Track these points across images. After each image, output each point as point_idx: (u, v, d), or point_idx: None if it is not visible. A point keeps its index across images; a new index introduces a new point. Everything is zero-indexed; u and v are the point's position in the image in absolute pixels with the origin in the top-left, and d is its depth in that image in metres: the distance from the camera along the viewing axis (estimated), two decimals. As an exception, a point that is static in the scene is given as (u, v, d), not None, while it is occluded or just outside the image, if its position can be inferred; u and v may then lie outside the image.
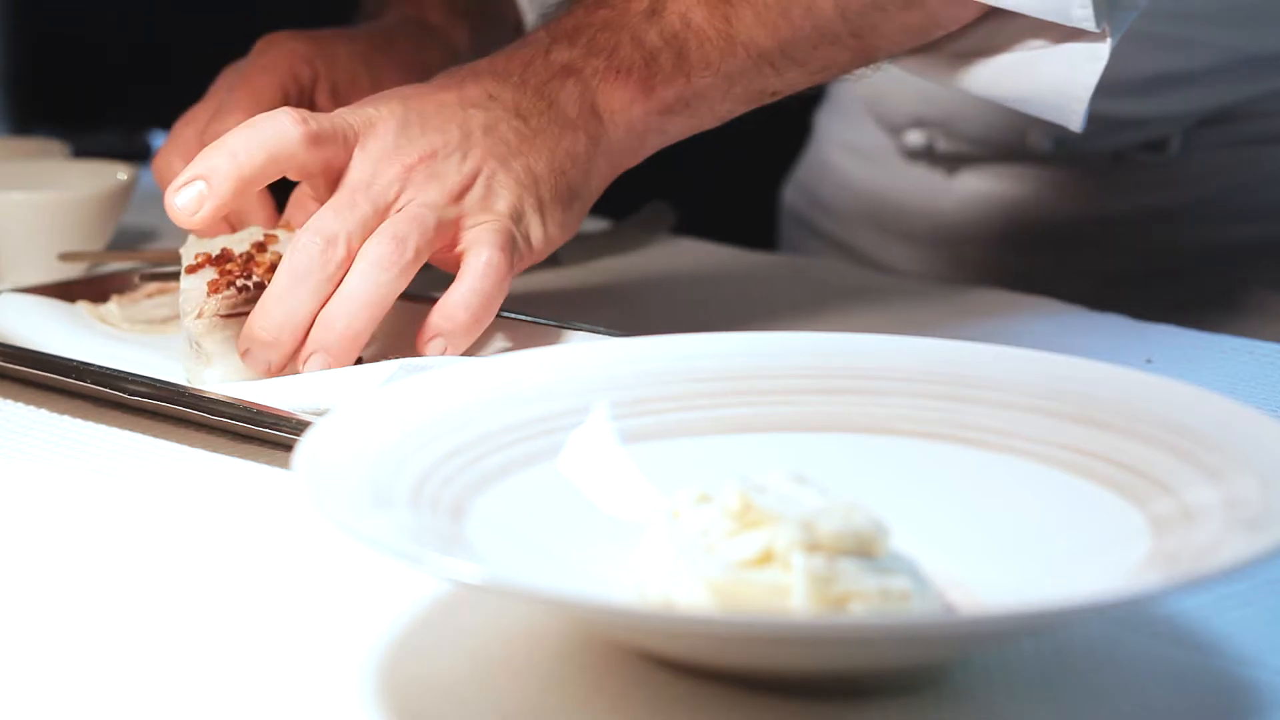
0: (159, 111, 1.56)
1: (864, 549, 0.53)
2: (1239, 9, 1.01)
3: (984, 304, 0.95)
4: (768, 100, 0.81)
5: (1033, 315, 0.93)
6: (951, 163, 1.12)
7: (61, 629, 0.58)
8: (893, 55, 0.82)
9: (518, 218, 0.76)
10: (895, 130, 1.14)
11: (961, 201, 1.12)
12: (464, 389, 0.62)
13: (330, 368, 0.73)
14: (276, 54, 0.94)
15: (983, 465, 0.61)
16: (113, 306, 0.88)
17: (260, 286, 0.75)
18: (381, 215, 0.74)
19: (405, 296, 0.76)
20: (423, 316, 0.77)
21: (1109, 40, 0.79)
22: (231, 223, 0.89)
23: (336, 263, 0.73)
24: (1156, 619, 0.56)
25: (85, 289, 0.90)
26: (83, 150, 1.12)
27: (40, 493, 0.70)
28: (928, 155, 1.13)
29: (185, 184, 0.73)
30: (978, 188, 1.12)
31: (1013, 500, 0.59)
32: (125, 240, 1.06)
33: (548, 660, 0.54)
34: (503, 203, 0.76)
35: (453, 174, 0.75)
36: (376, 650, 0.55)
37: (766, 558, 0.53)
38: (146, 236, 1.09)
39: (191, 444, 0.74)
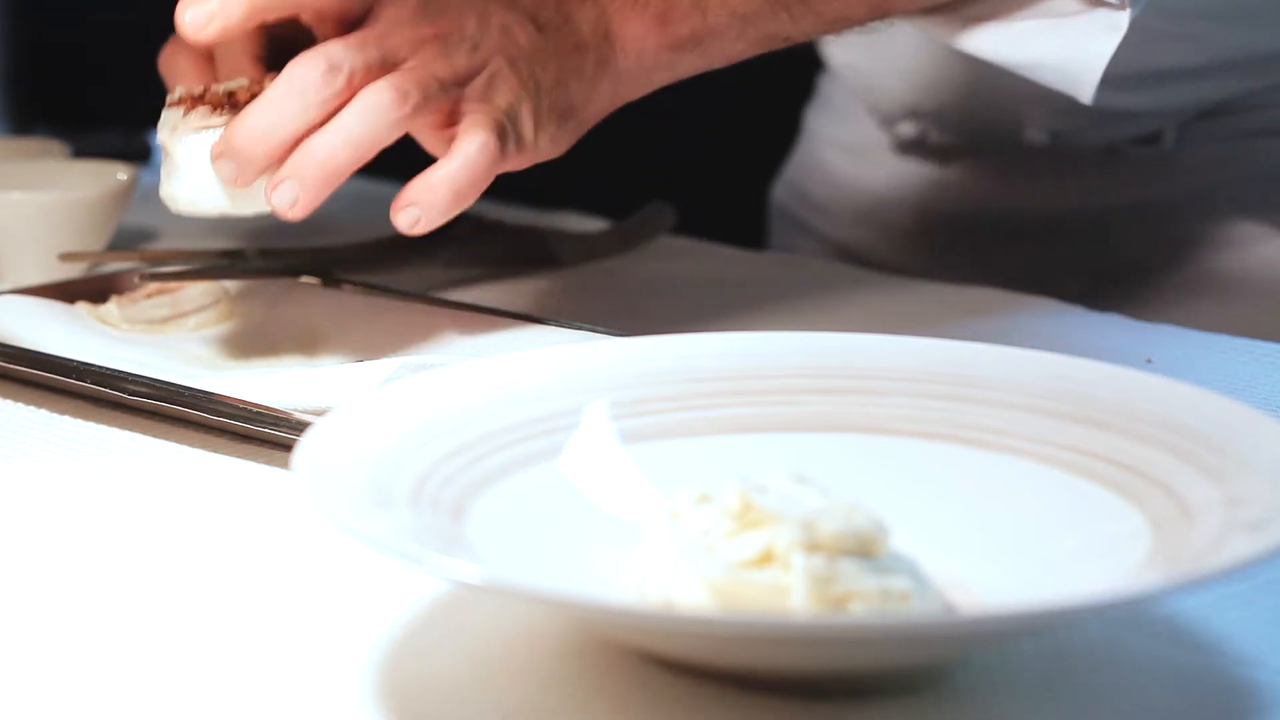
0: (159, 112, 1.56)
1: (864, 549, 0.53)
2: (1241, 6, 1.01)
3: (983, 303, 0.95)
4: (779, 45, 0.81)
5: (1032, 315, 0.93)
6: (944, 155, 1.11)
7: (61, 629, 0.58)
8: (908, 12, 0.82)
9: (513, 117, 0.76)
10: (888, 121, 1.14)
11: (953, 196, 1.12)
12: (464, 389, 0.62)
13: (295, 205, 0.72)
14: None
15: (983, 465, 0.61)
16: (112, 307, 0.88)
17: (238, 109, 0.75)
18: (388, 68, 0.74)
19: (404, 295, 0.76)
20: (420, 317, 0.77)
21: (1129, 10, 0.79)
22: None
23: (335, 90, 0.72)
24: (1157, 619, 0.56)
25: (85, 289, 0.90)
26: (83, 150, 1.12)
27: (40, 493, 0.70)
28: (920, 147, 1.12)
29: (198, 2, 0.74)
30: (970, 181, 1.11)
31: (1013, 500, 0.59)
32: (125, 240, 1.06)
33: (548, 661, 0.54)
34: (502, 98, 0.76)
35: (462, 58, 0.75)
36: (376, 651, 0.55)
37: (767, 558, 0.53)
38: (146, 237, 1.09)
39: (191, 444, 0.74)
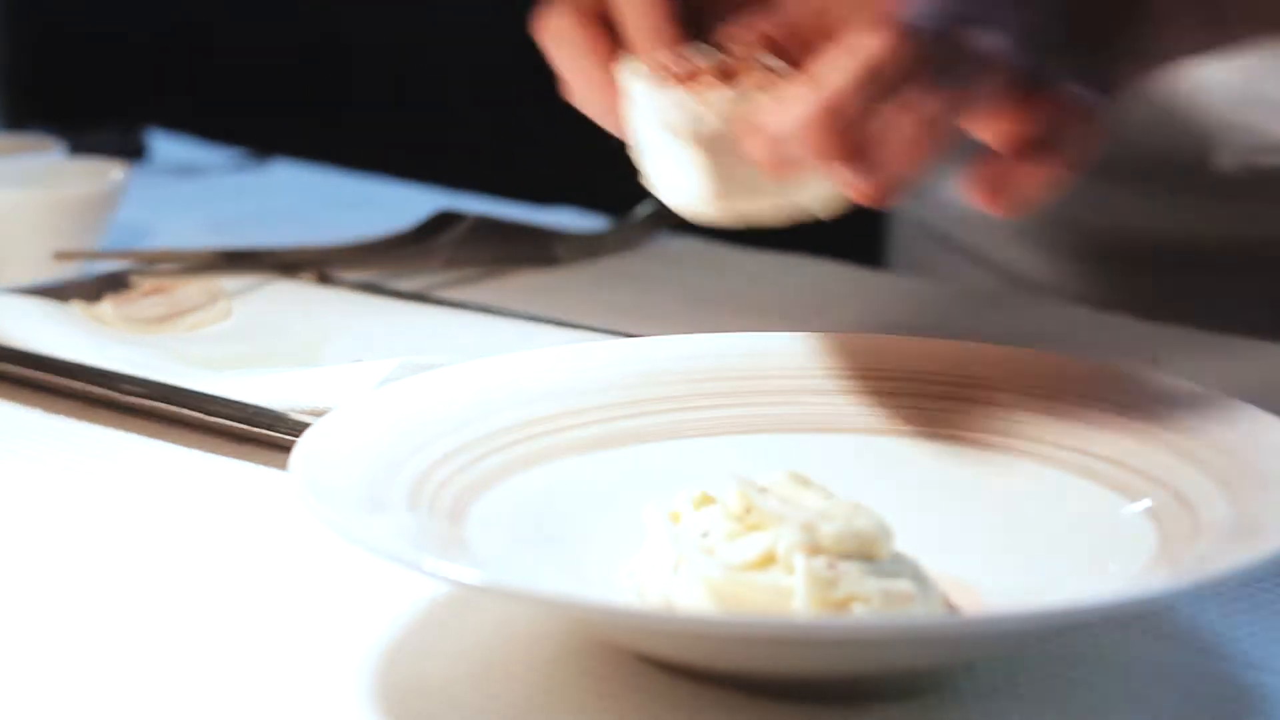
0: (156, 109, 1.56)
1: (866, 551, 0.52)
2: None
3: (985, 303, 0.95)
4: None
5: (1036, 314, 0.93)
6: (1122, 174, 1.01)
7: (55, 631, 0.57)
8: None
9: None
10: None
11: (1118, 218, 1.04)
12: (462, 389, 0.61)
13: (881, 189, 0.58)
14: None
15: (985, 466, 0.60)
16: (107, 306, 0.87)
17: (755, 85, 0.59)
18: (963, 33, 0.60)
19: (402, 294, 0.75)
20: (418, 317, 0.76)
21: None
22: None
23: (926, 60, 0.58)
24: (1162, 622, 0.56)
25: (80, 288, 0.89)
26: (79, 147, 1.12)
27: (34, 494, 0.70)
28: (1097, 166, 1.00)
29: None
30: (1148, 205, 1.02)
31: (1016, 502, 0.59)
32: (120, 239, 1.05)
33: (546, 664, 0.54)
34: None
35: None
36: (374, 653, 0.55)
37: (768, 560, 0.53)
38: (142, 235, 1.08)
39: (187, 444, 0.73)
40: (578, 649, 0.54)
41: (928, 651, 0.51)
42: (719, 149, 0.57)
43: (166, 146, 1.32)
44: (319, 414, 0.70)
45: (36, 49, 2.39)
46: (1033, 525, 0.58)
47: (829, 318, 0.92)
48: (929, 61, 0.57)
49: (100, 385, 0.76)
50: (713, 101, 0.58)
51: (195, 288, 0.89)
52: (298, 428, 0.69)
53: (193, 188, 1.23)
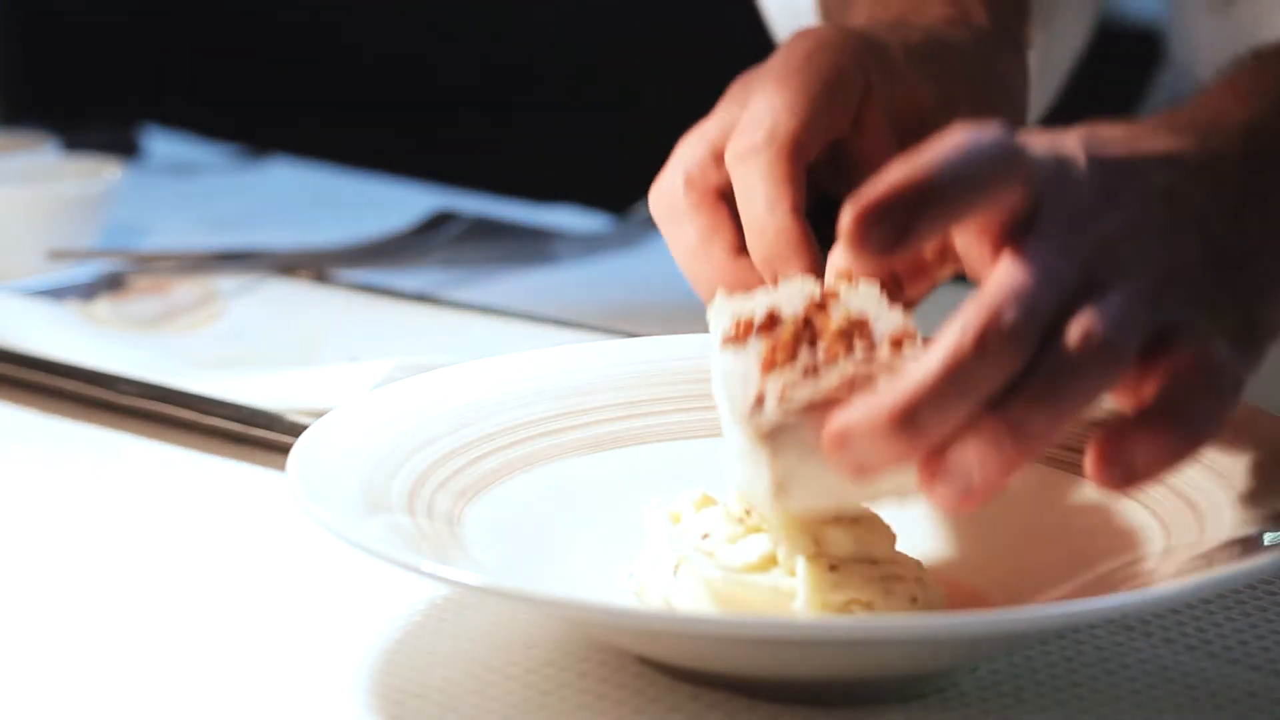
0: (151, 105, 1.56)
1: (868, 553, 0.52)
2: None
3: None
4: None
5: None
6: None
7: (51, 632, 0.57)
8: None
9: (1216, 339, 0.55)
10: None
11: None
12: (460, 390, 0.61)
13: (970, 496, 0.50)
14: (816, 47, 0.68)
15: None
16: (102, 306, 0.87)
17: (832, 360, 0.52)
18: (1084, 293, 0.52)
19: (400, 294, 0.75)
20: (416, 316, 0.75)
21: None
22: (771, 273, 0.66)
23: (1019, 363, 0.51)
24: (1167, 624, 0.56)
25: (74, 288, 0.89)
26: (74, 143, 1.11)
27: (29, 495, 0.69)
28: None
29: (877, 212, 0.51)
30: None
31: (1019, 503, 0.59)
32: (115, 238, 1.05)
33: (546, 665, 0.53)
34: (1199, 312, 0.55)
35: (1159, 256, 0.55)
36: (371, 656, 0.55)
37: (769, 562, 0.52)
38: (137, 234, 1.08)
39: (183, 445, 0.73)
40: (577, 651, 0.54)
41: (929, 653, 0.50)
42: (783, 443, 0.51)
43: (162, 144, 1.32)
44: (316, 415, 0.70)
45: (30, 44, 2.38)
46: (1034, 526, 0.57)
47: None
48: (1030, 365, 0.50)
49: (96, 385, 0.75)
50: (781, 386, 0.52)
51: (191, 287, 0.89)
52: (294, 429, 0.69)
53: (188, 186, 1.23)
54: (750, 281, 0.64)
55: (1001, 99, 0.69)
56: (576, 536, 0.58)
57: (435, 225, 1.02)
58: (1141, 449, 0.51)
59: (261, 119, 1.88)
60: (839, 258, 0.59)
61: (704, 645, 0.50)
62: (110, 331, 0.85)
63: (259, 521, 0.66)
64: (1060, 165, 0.54)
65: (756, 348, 0.53)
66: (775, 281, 0.63)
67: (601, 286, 0.98)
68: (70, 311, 0.86)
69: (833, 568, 0.52)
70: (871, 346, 0.52)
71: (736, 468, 0.52)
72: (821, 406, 0.51)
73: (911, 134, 0.67)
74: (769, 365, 0.52)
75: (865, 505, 0.53)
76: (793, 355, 0.52)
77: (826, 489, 0.51)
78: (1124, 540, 0.55)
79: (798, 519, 0.52)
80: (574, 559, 0.57)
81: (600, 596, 0.55)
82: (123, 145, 1.25)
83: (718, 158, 0.66)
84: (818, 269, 0.63)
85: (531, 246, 1.02)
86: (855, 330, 0.53)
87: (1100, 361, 0.51)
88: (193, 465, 0.72)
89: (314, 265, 0.95)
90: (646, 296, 0.96)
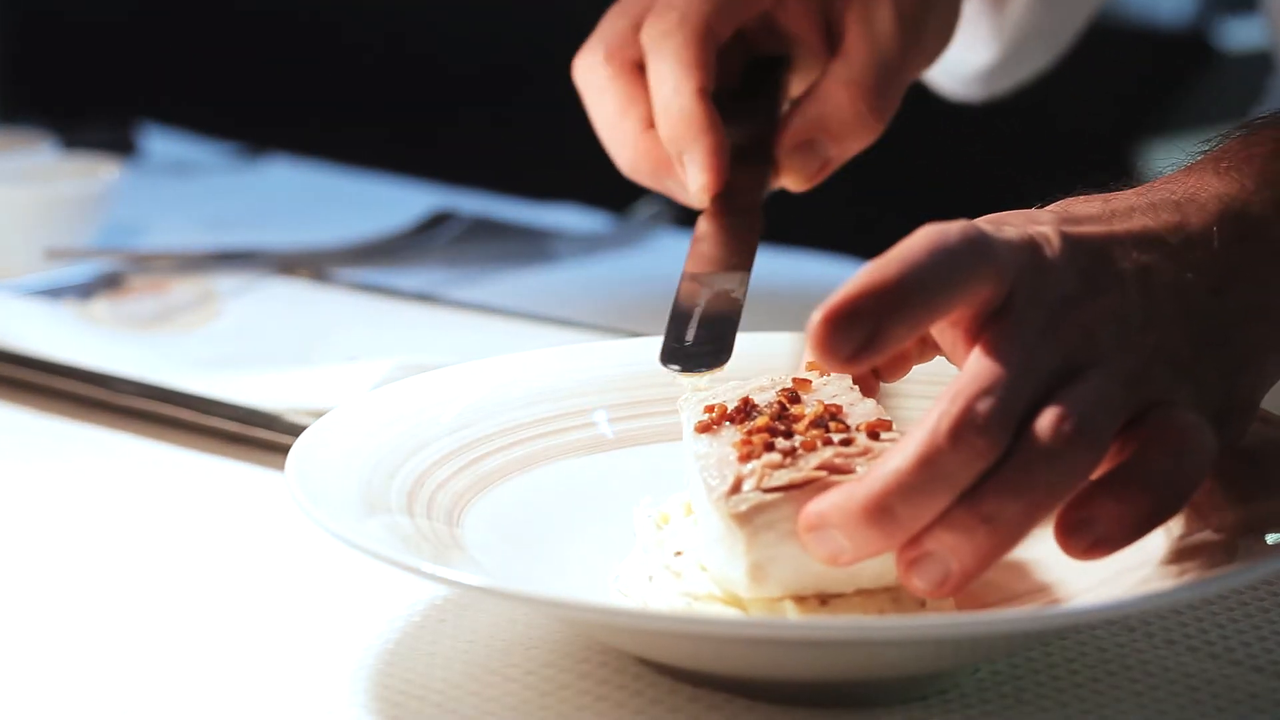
0: (149, 103, 1.56)
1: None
2: None
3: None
4: None
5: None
6: None
7: (49, 631, 0.57)
8: None
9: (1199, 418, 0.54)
10: None
11: None
12: (460, 390, 0.61)
13: (946, 582, 0.50)
14: None
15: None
16: (100, 305, 0.87)
17: (808, 448, 0.52)
18: (1062, 378, 0.51)
19: (399, 294, 0.75)
20: (416, 316, 0.75)
21: None
22: (676, 151, 0.69)
23: (994, 454, 0.50)
24: (1169, 625, 0.55)
25: (72, 287, 0.89)
26: (72, 142, 1.11)
27: (27, 495, 0.69)
28: None
29: (843, 318, 0.50)
30: None
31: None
32: (113, 237, 1.05)
33: (545, 666, 0.53)
34: (1179, 390, 0.54)
35: (1137, 340, 0.54)
36: (370, 656, 0.54)
37: (734, 600, 0.52)
38: (135, 234, 1.07)
39: (182, 445, 0.73)
40: (576, 652, 0.54)
41: (929, 654, 0.50)
42: (761, 525, 0.51)
43: (160, 143, 1.32)
44: (315, 415, 0.69)
45: (28, 42, 2.38)
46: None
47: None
48: (1004, 459, 0.50)
49: (94, 386, 0.75)
50: (759, 469, 0.51)
51: (189, 287, 0.89)
52: (293, 429, 0.69)
53: (187, 185, 1.23)
54: (659, 155, 0.68)
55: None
56: (577, 537, 0.57)
57: (435, 225, 1.02)
58: (1107, 516, 0.50)
59: (260, 118, 1.88)
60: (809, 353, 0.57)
61: (704, 646, 0.50)
62: (108, 331, 0.85)
63: (258, 522, 0.66)
64: (1034, 251, 0.53)
65: (731, 435, 0.53)
66: (680, 160, 0.68)
67: (601, 286, 0.98)
68: (68, 311, 0.86)
69: (823, 602, 0.51)
70: (847, 434, 0.52)
71: (713, 552, 0.52)
72: (800, 490, 0.51)
73: (837, 2, 0.70)
74: (745, 452, 0.52)
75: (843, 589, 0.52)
76: (769, 443, 0.52)
77: (804, 572, 0.51)
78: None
79: (774, 602, 0.51)
80: (574, 560, 0.56)
81: (600, 597, 0.54)
82: (121, 144, 1.25)
83: (638, 31, 0.69)
84: (719, 150, 0.68)
85: (531, 246, 1.01)
86: (830, 419, 0.53)
87: (1075, 449, 0.50)
88: (192, 465, 0.71)
89: (313, 265, 0.95)
90: (646, 296, 0.96)
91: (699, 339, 0.59)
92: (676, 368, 0.58)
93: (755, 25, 0.72)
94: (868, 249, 0.98)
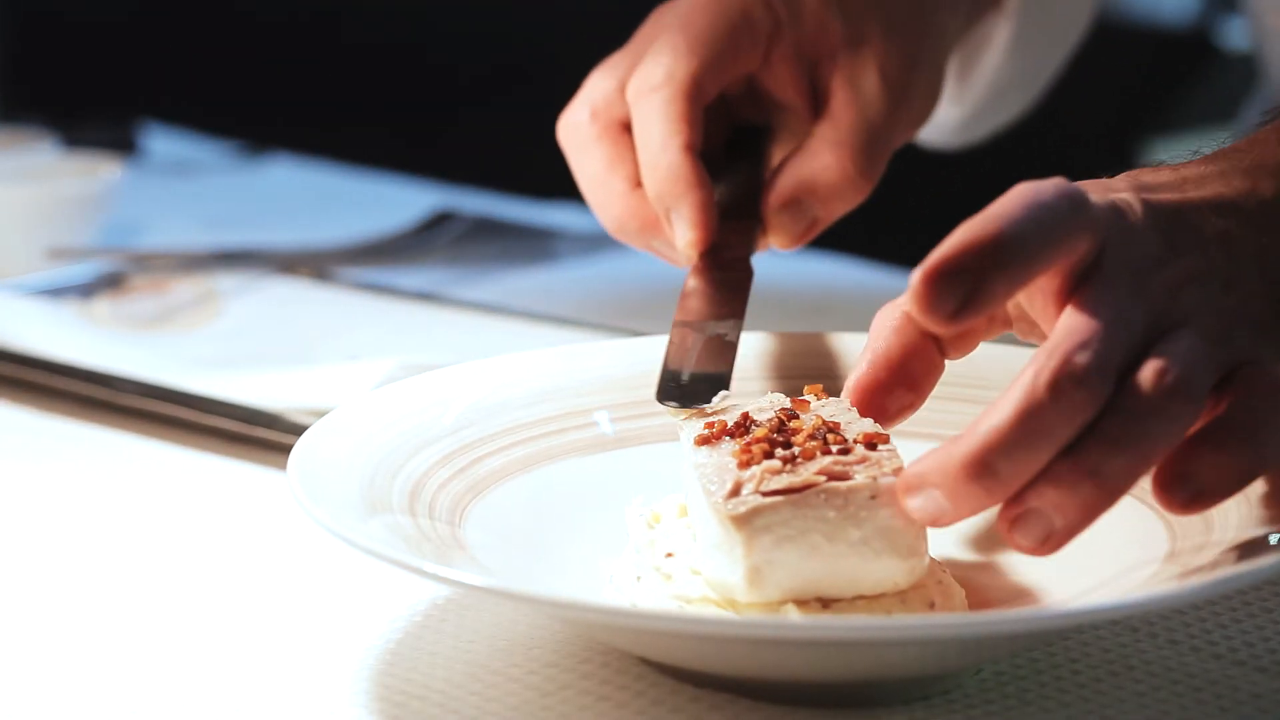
0: (150, 102, 1.55)
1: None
2: None
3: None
4: None
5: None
6: None
7: (50, 631, 0.57)
8: None
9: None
10: None
11: None
12: (461, 390, 0.61)
13: (1049, 540, 0.50)
14: None
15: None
16: (101, 305, 0.87)
17: (807, 456, 0.52)
18: (1153, 337, 0.52)
19: (400, 293, 0.75)
20: (417, 316, 0.75)
21: None
22: (664, 208, 0.69)
23: (1094, 407, 0.50)
24: (1172, 625, 0.55)
25: (73, 286, 0.89)
26: (73, 141, 1.11)
27: (27, 495, 0.69)
28: None
29: (946, 274, 0.51)
30: None
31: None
32: (114, 237, 1.05)
33: (547, 666, 0.53)
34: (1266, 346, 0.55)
35: (1220, 300, 0.55)
36: (371, 656, 0.54)
37: (728, 602, 0.52)
38: (136, 233, 1.07)
39: (183, 445, 0.73)
40: (578, 652, 0.54)
41: (932, 654, 0.50)
42: (759, 528, 0.51)
43: (161, 142, 1.32)
44: (316, 414, 0.69)
45: (29, 41, 2.38)
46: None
47: (832, 316, 0.91)
48: (1105, 413, 0.50)
49: (95, 385, 0.75)
50: (759, 474, 0.51)
51: (190, 286, 0.89)
52: (294, 428, 0.69)
53: (187, 184, 1.23)
54: (647, 213, 0.67)
55: (917, 34, 0.70)
56: (578, 537, 0.57)
57: (436, 224, 1.02)
58: (1208, 469, 0.51)
59: (261, 117, 1.88)
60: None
61: (707, 647, 0.50)
62: (109, 331, 0.85)
63: (260, 522, 0.66)
64: (1119, 212, 0.54)
65: (730, 446, 0.53)
66: (668, 217, 0.67)
67: (602, 286, 0.97)
68: (69, 311, 0.86)
69: (825, 605, 0.51)
70: (845, 445, 0.52)
71: (711, 558, 0.52)
72: (798, 494, 0.51)
73: (823, 67, 0.70)
74: (745, 459, 0.52)
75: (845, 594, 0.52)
76: (768, 451, 0.52)
77: (802, 577, 0.51)
78: (1130, 542, 0.55)
79: (769, 606, 0.51)
80: (576, 560, 0.56)
81: (602, 597, 0.54)
82: (122, 143, 1.25)
83: (624, 91, 0.69)
84: (707, 205, 0.67)
85: (532, 245, 1.01)
86: (827, 432, 0.53)
87: (1176, 401, 0.50)
88: (193, 465, 0.71)
89: (314, 264, 0.95)
90: (647, 296, 0.96)
91: (695, 378, 0.59)
92: (674, 404, 0.58)
93: (739, 89, 0.72)
94: (868, 248, 0.98)
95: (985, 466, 0.49)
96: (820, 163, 0.69)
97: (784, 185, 0.70)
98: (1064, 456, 0.49)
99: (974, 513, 0.50)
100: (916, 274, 0.50)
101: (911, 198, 1.55)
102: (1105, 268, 0.52)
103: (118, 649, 0.56)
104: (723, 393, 0.58)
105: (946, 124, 0.96)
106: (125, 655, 0.55)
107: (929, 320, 0.50)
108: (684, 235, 0.67)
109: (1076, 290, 0.52)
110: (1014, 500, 0.49)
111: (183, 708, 0.52)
